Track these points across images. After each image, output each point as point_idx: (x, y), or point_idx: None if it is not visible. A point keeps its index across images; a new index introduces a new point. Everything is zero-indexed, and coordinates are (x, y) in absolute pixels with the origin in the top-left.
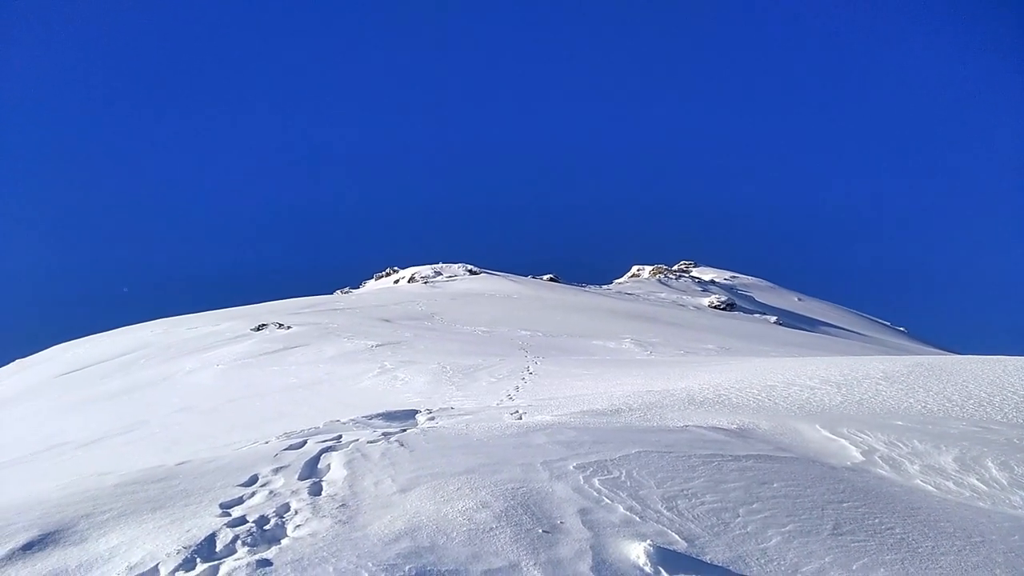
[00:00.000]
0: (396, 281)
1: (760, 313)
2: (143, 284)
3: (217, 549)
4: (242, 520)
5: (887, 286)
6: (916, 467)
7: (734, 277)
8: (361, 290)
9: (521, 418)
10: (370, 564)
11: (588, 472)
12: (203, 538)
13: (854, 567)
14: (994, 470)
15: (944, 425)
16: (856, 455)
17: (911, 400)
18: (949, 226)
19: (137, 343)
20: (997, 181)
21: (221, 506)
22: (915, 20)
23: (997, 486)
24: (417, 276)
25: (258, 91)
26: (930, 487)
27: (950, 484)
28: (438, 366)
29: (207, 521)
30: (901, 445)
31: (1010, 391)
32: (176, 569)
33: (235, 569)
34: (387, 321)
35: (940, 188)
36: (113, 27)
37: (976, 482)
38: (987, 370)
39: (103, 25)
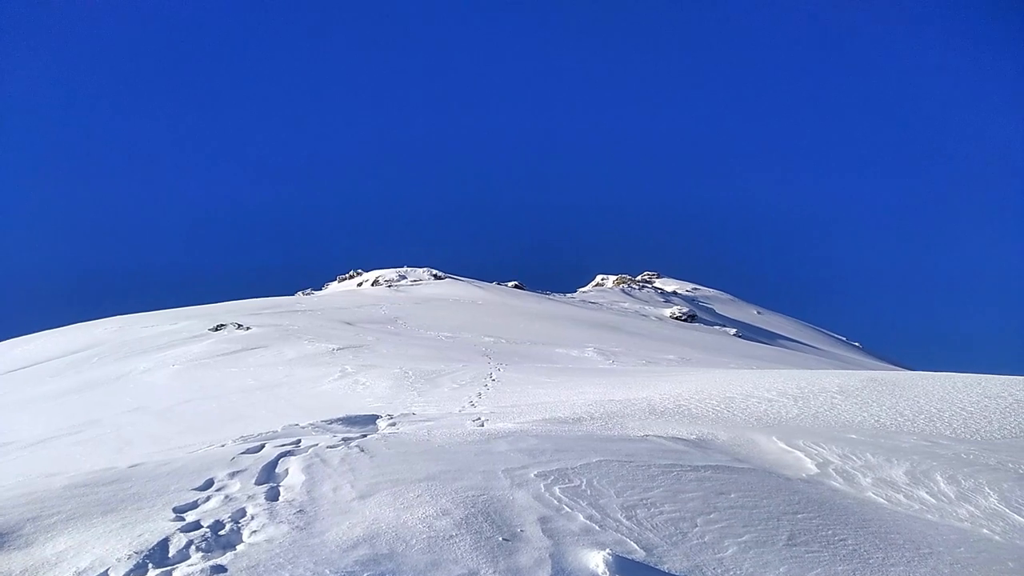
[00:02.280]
0: (360, 284)
1: (720, 325)
2: (97, 280)
3: (170, 554)
4: (196, 525)
5: (844, 301)
6: (868, 480)
7: (696, 289)
8: (323, 292)
9: (483, 425)
10: (327, 571)
11: (549, 480)
12: (155, 543)
13: None
14: (942, 484)
15: (896, 439)
16: (811, 467)
17: (865, 414)
18: (906, 242)
19: (90, 341)
20: (951, 198)
21: (175, 510)
22: (873, 24)
23: (945, 499)
24: (381, 279)
25: (219, 88)
26: (882, 500)
27: (901, 497)
28: (400, 371)
29: (160, 525)
30: (854, 458)
31: (958, 407)
32: (127, 575)
33: (188, 575)
34: (349, 324)
35: (898, 203)
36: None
37: (925, 495)
38: (937, 386)
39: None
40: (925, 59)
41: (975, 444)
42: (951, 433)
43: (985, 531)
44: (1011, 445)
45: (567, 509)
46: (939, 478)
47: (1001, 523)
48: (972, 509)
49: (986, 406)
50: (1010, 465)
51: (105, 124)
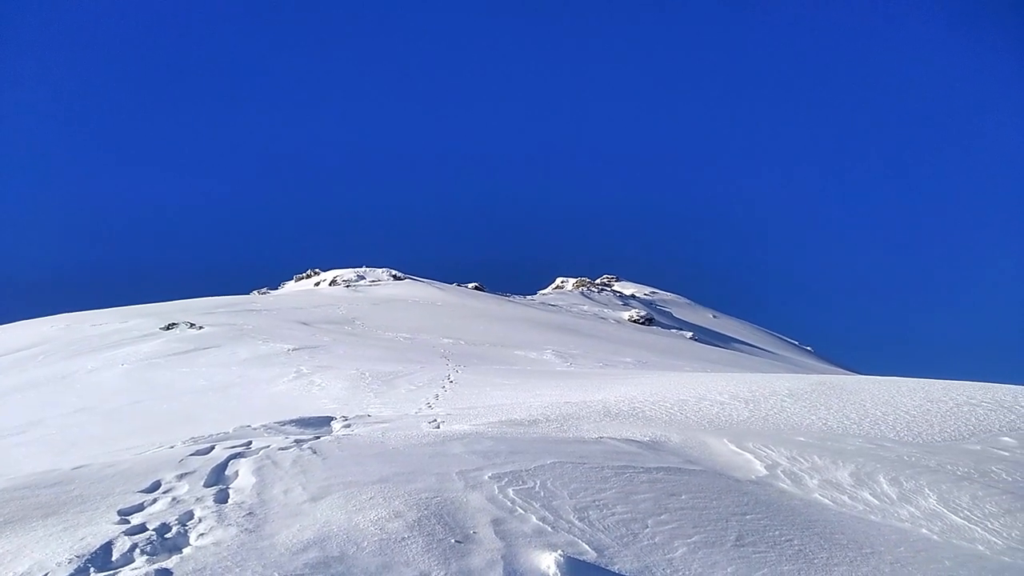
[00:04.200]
0: (317, 284)
1: (677, 328)
2: (45, 277)
3: (113, 558)
4: (142, 528)
5: (798, 305)
6: (815, 481)
7: (654, 293)
8: (280, 291)
9: (439, 427)
10: (275, 574)
11: (503, 482)
12: (98, 546)
13: None
14: (885, 485)
15: (842, 442)
16: (760, 469)
17: (813, 417)
18: (860, 247)
19: (36, 339)
20: (908, 204)
21: (119, 513)
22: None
23: (887, 500)
24: (339, 279)
25: (173, 83)
26: (827, 501)
27: (845, 498)
28: (356, 372)
29: (103, 528)
30: (802, 460)
31: (902, 411)
32: None
33: None
34: (305, 324)
35: (852, 208)
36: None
37: (869, 496)
38: (882, 390)
39: None
40: (886, 62)
41: (917, 447)
42: (895, 436)
43: (924, 531)
44: (950, 448)
45: (520, 511)
46: (882, 480)
47: (939, 523)
48: (913, 510)
49: (928, 410)
50: (949, 467)
51: (53, 116)
